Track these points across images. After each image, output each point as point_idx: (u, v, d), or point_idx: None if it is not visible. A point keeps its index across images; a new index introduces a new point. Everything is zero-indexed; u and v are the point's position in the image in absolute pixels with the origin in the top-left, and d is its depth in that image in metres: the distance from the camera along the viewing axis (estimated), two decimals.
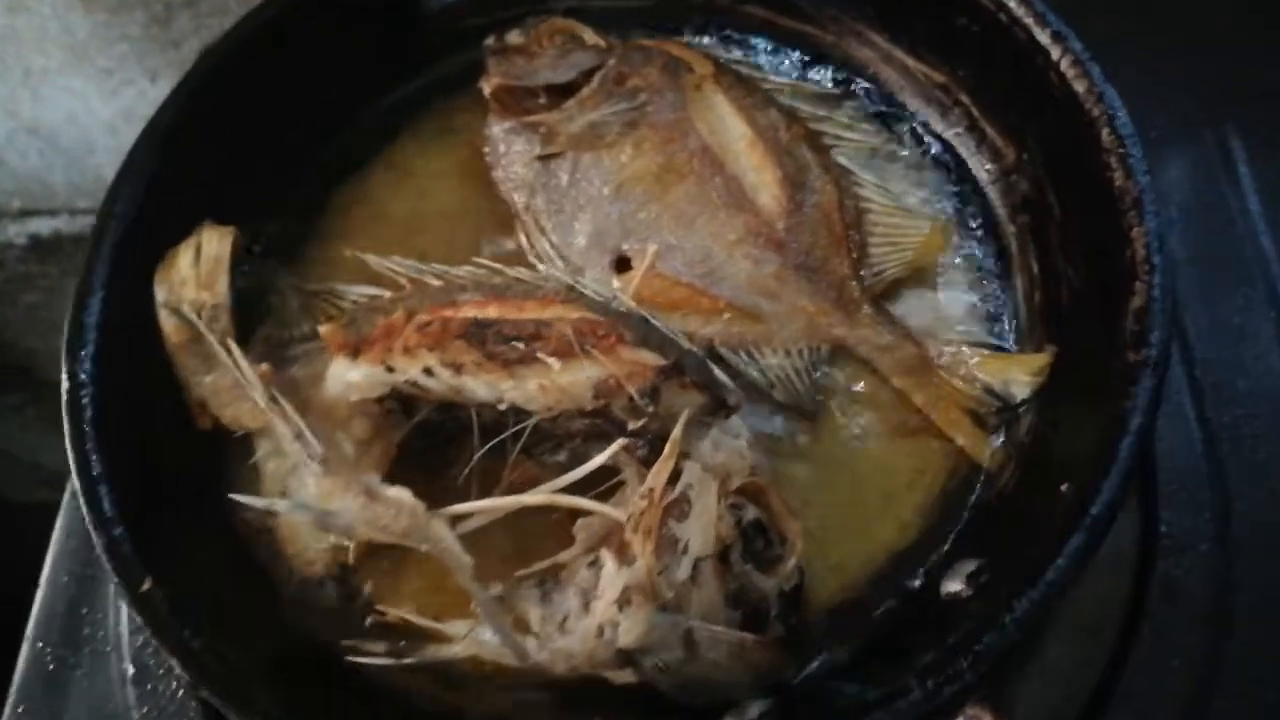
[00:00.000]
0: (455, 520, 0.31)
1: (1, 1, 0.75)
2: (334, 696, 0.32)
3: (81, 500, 0.32)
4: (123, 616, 0.41)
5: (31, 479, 1.37)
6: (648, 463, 0.31)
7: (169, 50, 0.78)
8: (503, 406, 0.32)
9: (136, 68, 0.80)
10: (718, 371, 0.33)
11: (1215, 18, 0.48)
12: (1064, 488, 0.30)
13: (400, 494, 0.31)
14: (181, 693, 0.40)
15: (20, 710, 0.41)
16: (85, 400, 0.34)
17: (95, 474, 0.32)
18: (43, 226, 0.97)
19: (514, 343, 0.31)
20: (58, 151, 0.89)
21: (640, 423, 0.31)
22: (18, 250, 1.00)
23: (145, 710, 0.39)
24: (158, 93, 0.85)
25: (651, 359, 0.31)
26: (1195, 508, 0.37)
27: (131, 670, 0.40)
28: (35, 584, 1.40)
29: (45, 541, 1.46)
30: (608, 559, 0.30)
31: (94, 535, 0.32)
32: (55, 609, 0.42)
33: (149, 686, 0.40)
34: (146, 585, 0.30)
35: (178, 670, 0.30)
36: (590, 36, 0.41)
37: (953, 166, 0.40)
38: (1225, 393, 0.40)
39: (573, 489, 0.32)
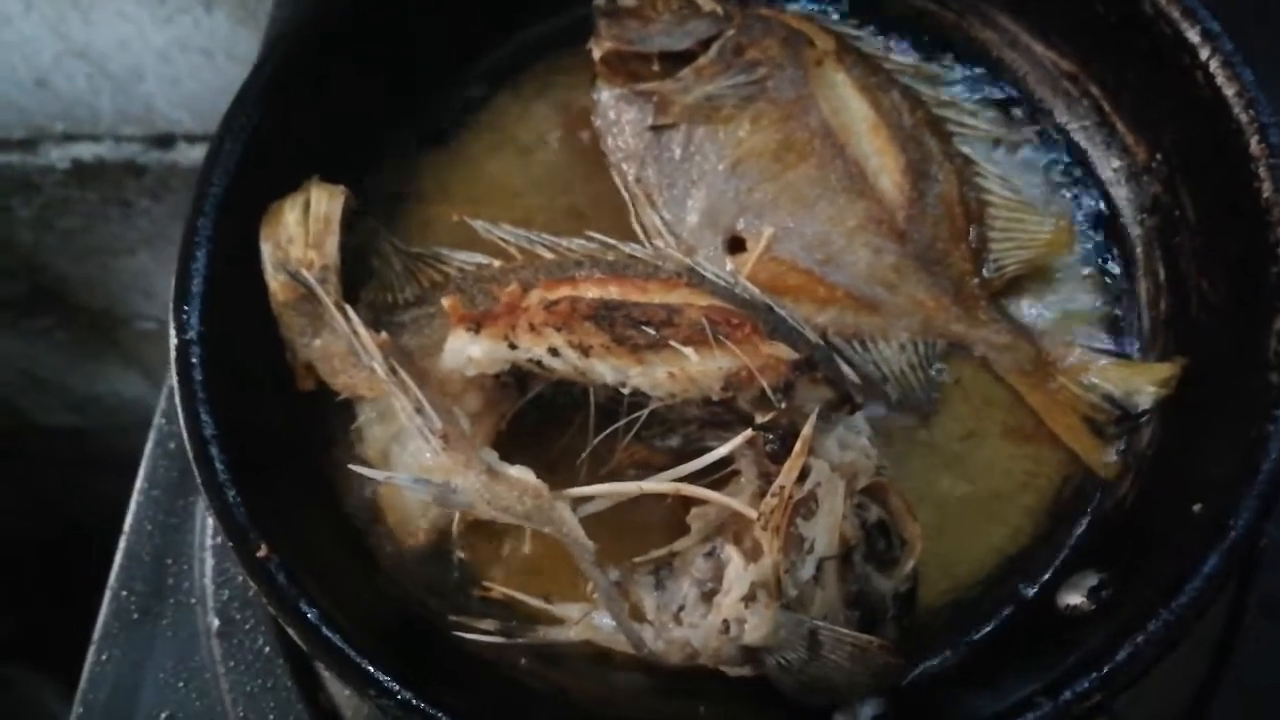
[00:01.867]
0: (575, 503, 0.31)
1: None
2: (439, 666, 0.32)
3: (193, 461, 0.31)
4: (208, 569, 0.41)
5: (58, 403, 1.37)
6: (772, 456, 0.31)
7: None
8: (625, 391, 0.31)
9: None
10: (845, 367, 0.32)
11: None
12: (1197, 508, 0.30)
13: (524, 474, 0.30)
14: (268, 649, 0.40)
15: (104, 658, 0.40)
16: (194, 357, 0.33)
17: (206, 434, 0.32)
18: (85, 152, 0.96)
19: (645, 327, 0.30)
20: (106, 76, 0.87)
21: (769, 416, 0.30)
22: (58, 174, 0.99)
23: (231, 665, 0.39)
24: (213, 23, 0.82)
25: (787, 353, 0.30)
26: None
27: (217, 623, 0.40)
28: (63, 505, 1.41)
29: (71, 464, 1.46)
30: (733, 554, 0.30)
31: (206, 498, 0.31)
32: (140, 557, 0.41)
33: (235, 641, 0.40)
34: (262, 552, 0.30)
35: (297, 639, 0.29)
36: (708, 2, 0.40)
37: (1079, 162, 0.39)
38: None
39: (688, 477, 0.32)
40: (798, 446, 0.30)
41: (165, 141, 0.94)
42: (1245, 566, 0.36)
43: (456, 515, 0.33)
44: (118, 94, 0.89)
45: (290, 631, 0.30)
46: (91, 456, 1.44)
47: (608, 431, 0.32)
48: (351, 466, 0.32)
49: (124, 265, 1.10)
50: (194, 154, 0.94)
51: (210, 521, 0.42)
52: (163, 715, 0.40)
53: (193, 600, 0.41)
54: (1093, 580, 0.31)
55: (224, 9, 0.79)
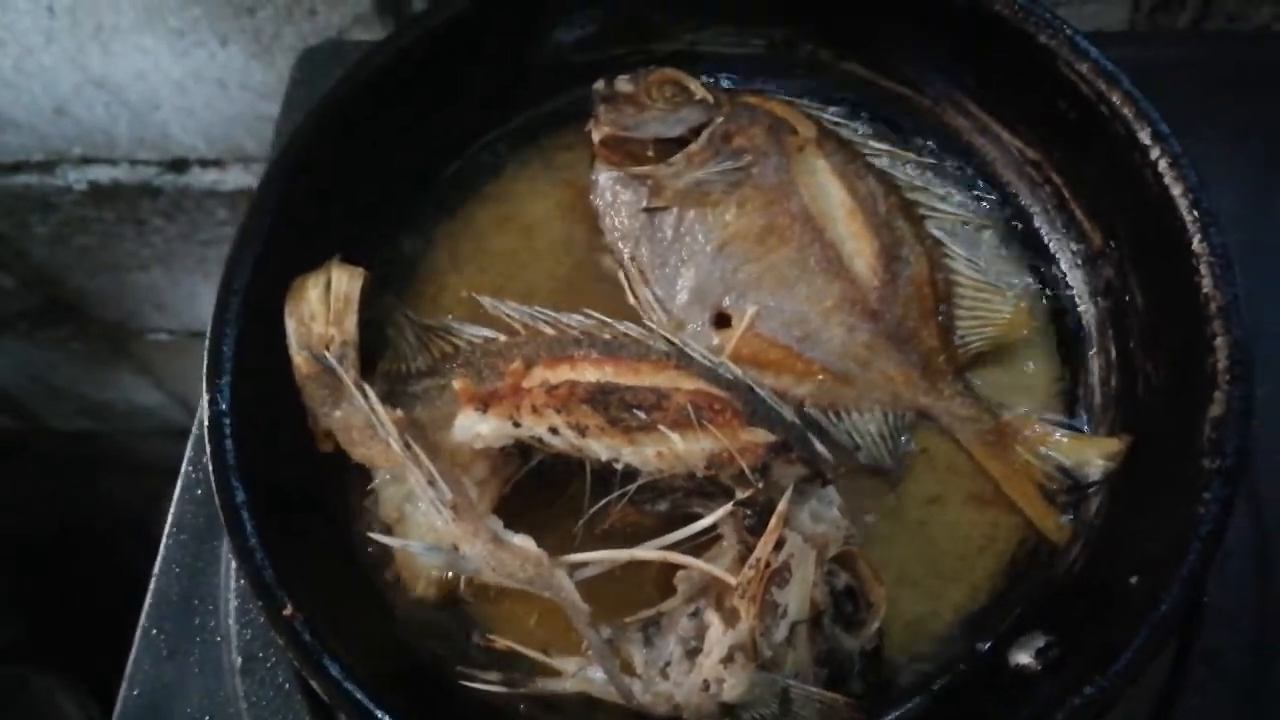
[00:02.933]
0: (572, 569, 0.34)
1: None
2: (447, 713, 0.35)
3: (225, 527, 0.35)
4: (232, 609, 0.44)
5: (72, 409, 1.41)
6: (750, 529, 0.34)
7: (242, 16, 0.79)
8: (618, 465, 0.34)
9: (208, 31, 0.81)
10: (818, 444, 0.35)
11: None
12: (1134, 580, 0.33)
13: (526, 543, 0.33)
14: (287, 685, 0.43)
15: (135, 693, 0.44)
16: (227, 429, 0.36)
17: (238, 501, 0.35)
18: (102, 174, 0.99)
19: (635, 411, 0.34)
20: (123, 105, 0.90)
21: (748, 493, 0.33)
22: (75, 195, 1.02)
23: (254, 700, 0.42)
24: (227, 56, 0.85)
25: (764, 437, 0.33)
26: (1239, 584, 0.39)
27: (240, 661, 0.43)
28: (75, 504, 1.43)
29: (83, 467, 1.49)
30: (712, 617, 0.33)
31: (236, 560, 0.34)
32: (169, 598, 0.45)
33: (257, 677, 0.43)
34: (288, 611, 0.33)
35: (319, 691, 0.32)
36: (698, 90, 0.43)
37: (1040, 244, 0.42)
38: (1276, 473, 0.43)
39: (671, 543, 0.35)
40: (773, 522, 0.34)
41: (179, 166, 0.97)
42: (1188, 624, 0.39)
43: (462, 577, 0.36)
44: (134, 121, 0.92)
45: (313, 683, 0.34)
46: (103, 460, 1.47)
47: (604, 502, 0.35)
48: (370, 535, 0.35)
49: (137, 280, 1.13)
50: (206, 178, 0.97)
51: (234, 564, 0.45)
52: None
53: (218, 639, 0.44)
54: (1040, 642, 0.34)
55: (238, 43, 0.82)
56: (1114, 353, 0.39)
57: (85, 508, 1.47)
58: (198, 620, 0.45)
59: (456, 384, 0.35)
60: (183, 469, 0.49)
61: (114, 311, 1.19)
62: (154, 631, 0.44)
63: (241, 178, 0.97)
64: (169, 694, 0.43)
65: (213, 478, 0.36)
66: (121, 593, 1.36)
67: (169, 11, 0.80)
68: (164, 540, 0.47)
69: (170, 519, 0.47)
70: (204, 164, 0.96)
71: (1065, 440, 0.38)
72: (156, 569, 0.46)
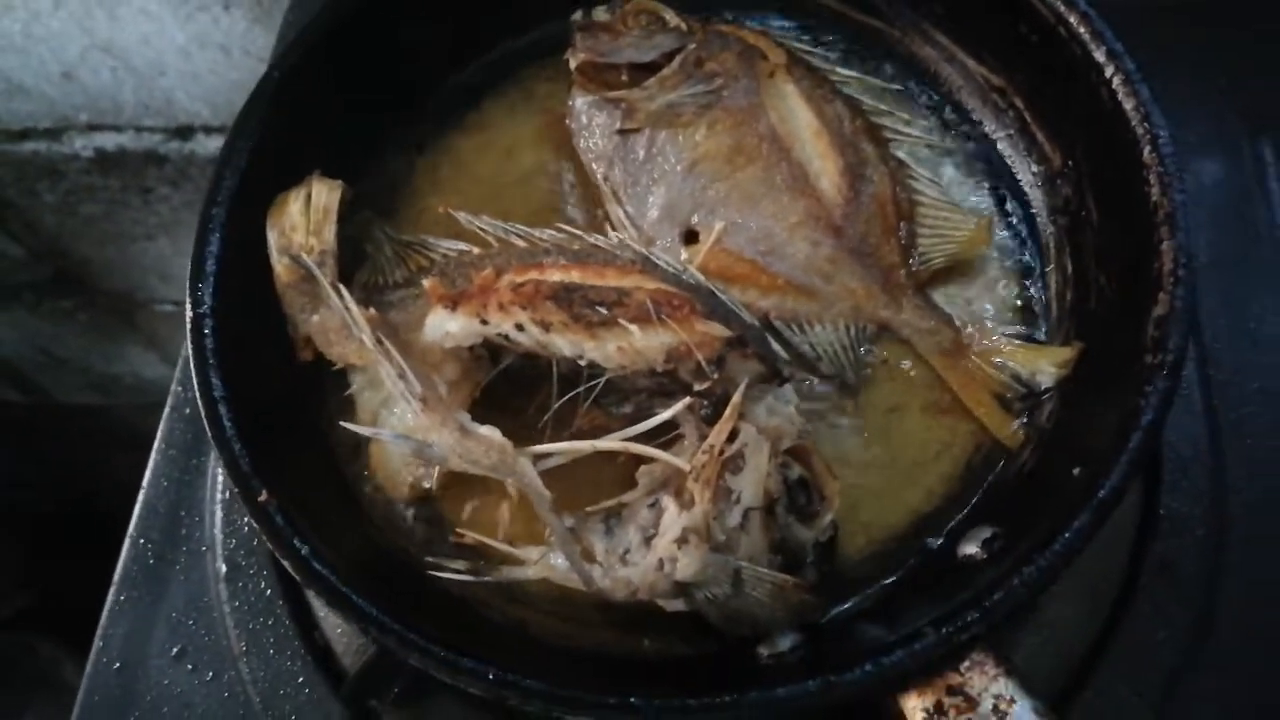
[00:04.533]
0: (536, 458, 0.36)
1: None
2: (415, 602, 0.37)
3: (204, 418, 0.37)
4: (217, 520, 0.46)
5: (78, 382, 1.43)
6: (709, 421, 0.35)
7: None
8: (582, 363, 0.36)
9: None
10: (775, 345, 0.37)
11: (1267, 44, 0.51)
12: (1076, 471, 0.34)
13: (491, 432, 0.35)
14: (269, 591, 0.45)
15: (122, 599, 0.46)
16: (207, 329, 0.38)
17: (216, 395, 0.37)
18: (108, 141, 1.01)
19: (598, 307, 0.35)
20: (129, 70, 0.92)
21: (705, 385, 0.35)
22: (82, 162, 1.04)
23: (236, 605, 0.44)
24: (230, 21, 0.87)
25: (719, 331, 0.35)
26: (1194, 496, 0.41)
27: (224, 569, 0.45)
28: (83, 477, 1.46)
29: (90, 440, 1.52)
30: (669, 503, 0.35)
31: (216, 450, 0.36)
32: (157, 510, 0.47)
33: (240, 584, 0.45)
34: (263, 497, 0.35)
35: (290, 570, 0.34)
36: (672, 18, 0.45)
37: (1001, 166, 0.44)
38: (1235, 390, 0.44)
39: (638, 439, 0.37)
40: (727, 412, 0.35)
41: (184, 133, 0.99)
42: (1142, 532, 0.41)
43: (436, 469, 0.38)
44: (140, 87, 0.94)
45: (286, 565, 0.35)
46: (109, 433, 1.49)
47: (568, 396, 0.37)
48: (343, 424, 0.37)
49: (143, 250, 1.15)
50: (211, 145, 0.99)
51: (220, 477, 0.47)
52: (174, 649, 0.45)
53: (203, 548, 0.46)
54: (987, 534, 0.36)
55: (241, 9, 0.84)
56: (1070, 268, 0.41)
57: (91, 481, 1.49)
58: (184, 531, 0.47)
59: (426, 283, 0.37)
60: (172, 388, 0.51)
61: (121, 282, 1.22)
62: (141, 541, 0.46)
63: None
64: (154, 600, 0.45)
65: (193, 373, 0.38)
66: None
67: None
68: (152, 455, 0.49)
69: (159, 434, 0.50)
70: (208, 130, 0.98)
71: (1020, 350, 0.40)
72: (145, 481, 0.49)
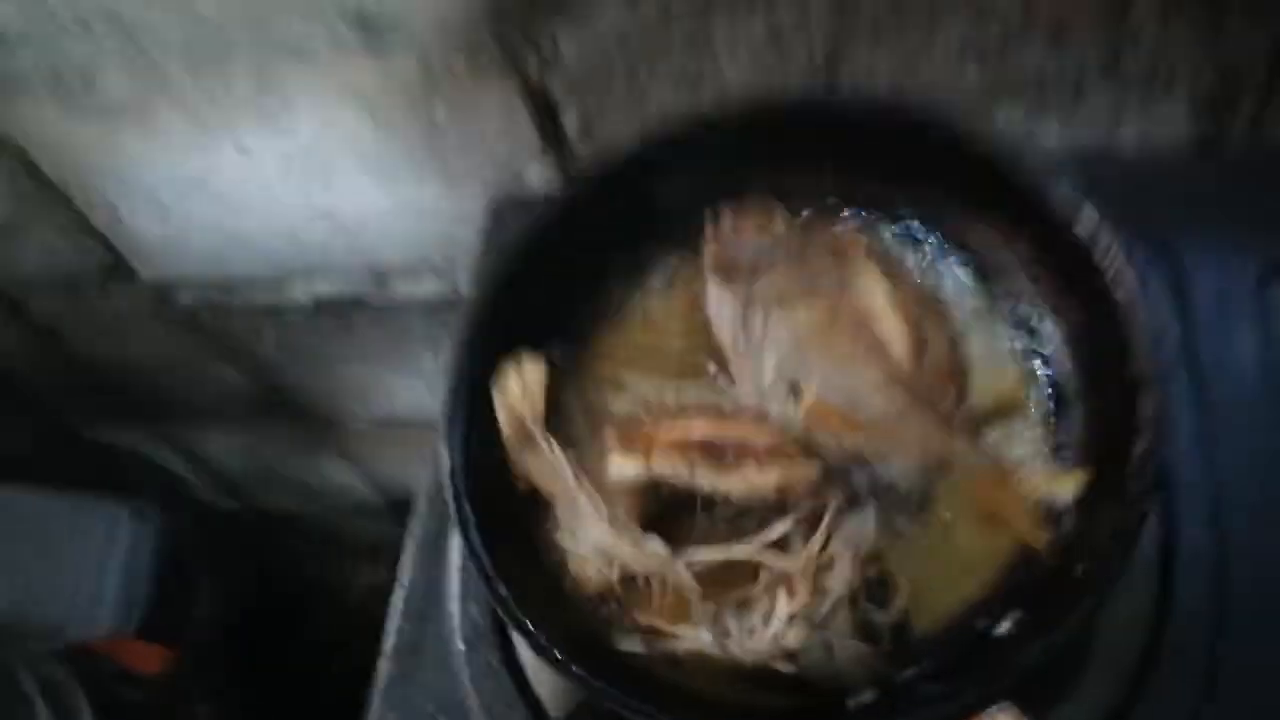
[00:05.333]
0: (688, 563, 0.54)
1: (318, 117, 1.04)
2: (605, 666, 0.56)
3: (461, 536, 0.56)
4: (456, 611, 0.66)
5: (279, 490, 1.71)
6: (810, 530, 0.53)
7: (440, 157, 1.03)
8: (717, 494, 0.55)
9: (408, 171, 1.05)
10: (856, 478, 0.55)
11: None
12: (1080, 569, 0.50)
13: (655, 542, 0.54)
14: (494, 662, 0.64)
15: (390, 672, 0.66)
16: (458, 470, 0.58)
17: (467, 519, 0.57)
18: (321, 287, 1.25)
19: (728, 454, 0.54)
20: (341, 229, 1.15)
21: (807, 508, 0.53)
22: (299, 305, 1.28)
23: (471, 673, 0.63)
24: (423, 193, 1.11)
25: (813, 471, 0.53)
26: (1199, 590, 0.55)
27: (464, 648, 0.65)
28: (283, 574, 1.74)
29: (288, 541, 1.80)
30: (781, 594, 0.53)
31: (470, 558, 0.56)
32: (411, 606, 0.67)
33: (474, 658, 0.64)
34: (503, 592, 0.55)
35: (519, 639, 0.53)
36: (781, 222, 0.64)
37: (1035, 333, 0.60)
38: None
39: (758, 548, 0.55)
40: (820, 531, 0.53)
41: (381, 279, 1.23)
42: (1159, 618, 0.56)
43: (616, 569, 0.57)
44: (350, 242, 1.17)
45: (516, 637, 0.55)
46: (304, 535, 1.76)
47: (711, 515, 0.56)
48: (554, 536, 0.57)
49: (345, 377, 1.41)
50: (404, 288, 1.22)
51: (455, 579, 0.68)
52: (430, 707, 0.65)
53: (447, 631, 0.66)
54: (1018, 615, 0.52)
55: (433, 186, 1.06)
56: (1082, 414, 0.57)
57: (286, 580, 1.76)
58: (430, 620, 0.67)
59: (609, 438, 0.56)
60: (416, 511, 0.73)
61: (322, 404, 1.48)
62: (401, 627, 0.67)
63: (432, 286, 1.22)
64: (413, 669, 0.65)
65: (451, 506, 0.58)
66: (316, 658, 1.63)
67: (379, 156, 1.07)
68: (404, 555, 0.70)
69: (408, 549, 0.70)
70: (402, 276, 1.22)
71: (1044, 478, 0.56)
72: (400, 584, 0.69)
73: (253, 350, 1.39)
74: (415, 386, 1.38)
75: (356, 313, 1.27)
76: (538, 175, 1.03)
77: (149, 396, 1.49)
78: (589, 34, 0.88)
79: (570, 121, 0.96)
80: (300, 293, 1.26)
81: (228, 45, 0.95)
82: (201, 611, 1.38)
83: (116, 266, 1.28)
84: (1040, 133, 0.96)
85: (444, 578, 0.66)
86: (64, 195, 1.21)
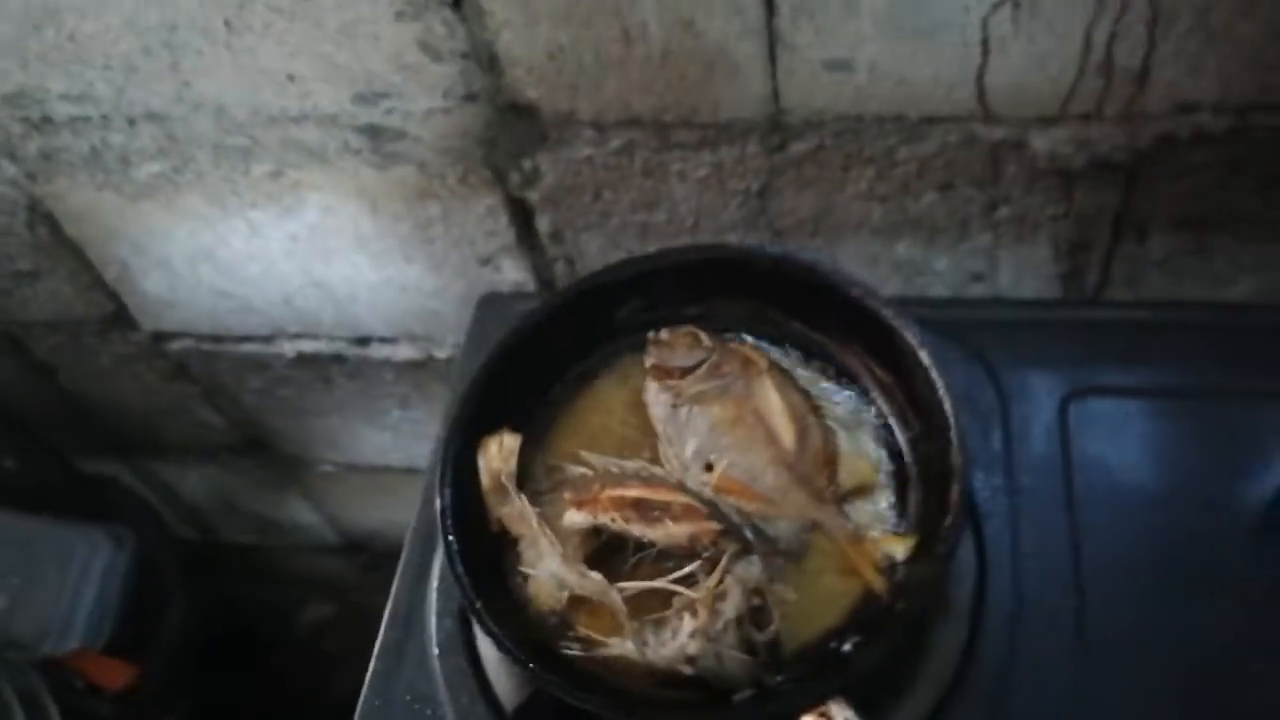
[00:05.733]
0: (621, 590, 0.75)
1: (319, 203, 1.23)
2: (553, 665, 0.77)
3: (450, 567, 0.76)
4: (432, 623, 0.86)
5: (242, 524, 1.87)
6: (711, 569, 0.75)
7: (427, 246, 1.19)
8: (645, 539, 0.76)
9: (399, 255, 1.23)
10: (749, 533, 0.77)
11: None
12: (900, 605, 0.73)
13: (597, 576, 0.75)
14: (463, 665, 0.84)
15: (379, 669, 0.86)
16: (448, 514, 0.79)
17: (453, 550, 0.77)
18: (306, 345, 1.39)
19: (654, 511, 0.76)
20: (331, 299, 1.30)
21: (708, 555, 0.75)
22: (284, 360, 1.43)
23: (445, 672, 0.84)
24: (409, 270, 1.29)
25: (716, 526, 0.75)
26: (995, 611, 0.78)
27: (438, 651, 0.85)
28: (239, 604, 1.92)
29: (243, 573, 1.98)
30: (687, 616, 0.74)
31: (454, 580, 0.76)
32: (398, 616, 0.87)
33: (446, 660, 0.84)
34: (477, 605, 0.75)
35: (490, 644, 0.74)
36: (705, 339, 0.86)
37: (888, 431, 0.83)
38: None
39: (674, 582, 0.76)
40: (717, 571, 0.75)
41: (363, 341, 1.37)
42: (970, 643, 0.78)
43: (566, 594, 0.78)
44: (338, 310, 1.25)
45: (487, 641, 0.75)
46: (261, 568, 1.93)
47: (637, 557, 0.77)
48: (520, 568, 0.78)
49: (317, 424, 1.59)
50: (382, 351, 1.40)
51: (434, 597, 0.88)
52: (408, 697, 0.85)
53: (424, 637, 0.86)
54: (856, 638, 0.74)
55: (418, 267, 1.25)
56: (919, 493, 0.79)
57: (243, 610, 1.92)
58: (413, 627, 0.87)
59: (566, 496, 0.77)
60: (407, 540, 0.93)
61: (295, 446, 1.65)
62: (391, 633, 0.87)
63: (408, 351, 1.39)
64: (397, 666, 0.85)
65: (440, 537, 0.78)
66: (275, 686, 1.80)
67: (373, 239, 1.25)
68: (395, 582, 0.90)
69: (399, 571, 0.91)
70: (381, 340, 1.39)
71: (887, 539, 0.78)
72: (390, 598, 0.89)
73: (235, 396, 1.53)
74: (382, 436, 1.57)
75: (335, 368, 1.37)
76: (511, 267, 1.23)
77: (133, 431, 1.64)
78: (565, 160, 1.10)
79: (543, 226, 1.14)
80: (286, 348, 1.36)
81: (253, 143, 1.14)
82: (168, 633, 1.54)
83: (119, 316, 1.42)
84: (932, 262, 1.21)
85: (425, 596, 0.86)
86: (80, 252, 1.34)
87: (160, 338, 1.48)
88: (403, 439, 1.55)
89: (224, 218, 1.20)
